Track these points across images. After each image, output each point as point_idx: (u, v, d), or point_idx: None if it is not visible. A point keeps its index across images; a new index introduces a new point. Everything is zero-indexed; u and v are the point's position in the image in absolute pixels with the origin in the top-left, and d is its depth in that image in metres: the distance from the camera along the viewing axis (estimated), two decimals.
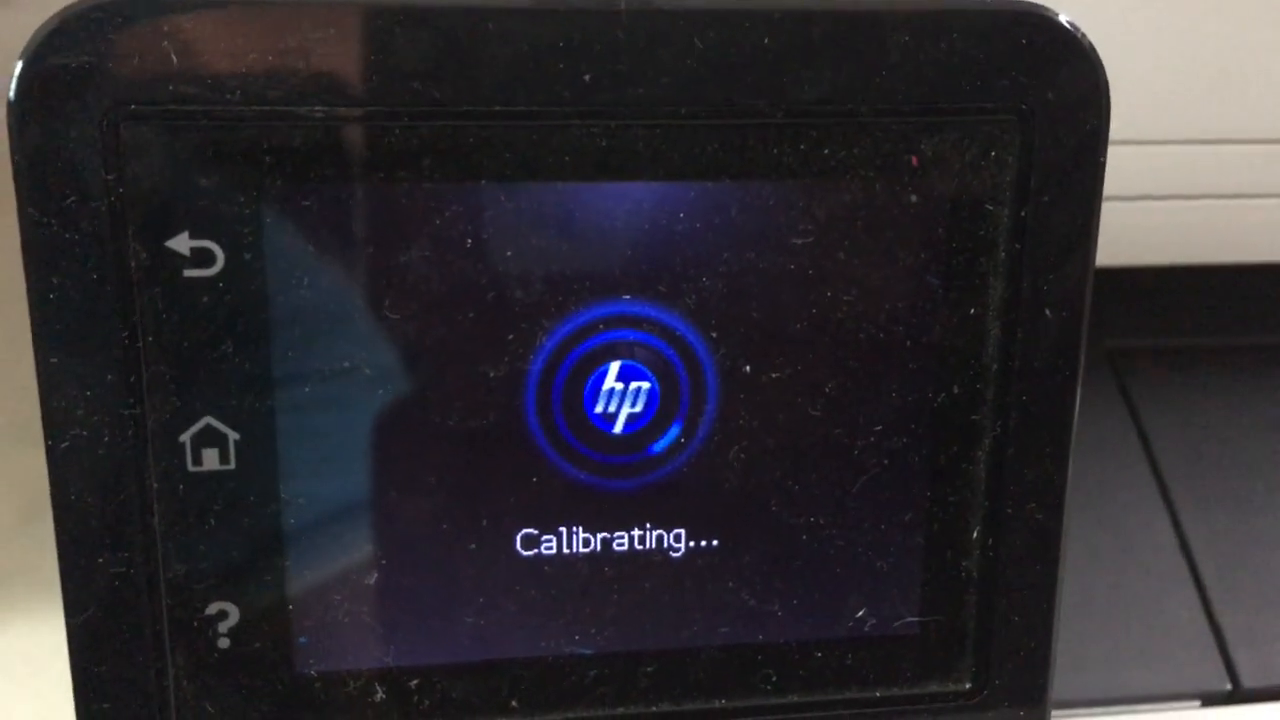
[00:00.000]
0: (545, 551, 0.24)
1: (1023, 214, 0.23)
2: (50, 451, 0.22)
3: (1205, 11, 0.35)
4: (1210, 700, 0.37)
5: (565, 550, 0.24)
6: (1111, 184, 0.36)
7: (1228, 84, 0.36)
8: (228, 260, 0.22)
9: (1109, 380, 0.44)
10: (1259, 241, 0.40)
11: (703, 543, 0.24)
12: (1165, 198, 0.38)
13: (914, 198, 0.23)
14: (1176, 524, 0.41)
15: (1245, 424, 0.43)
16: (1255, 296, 0.46)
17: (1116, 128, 0.35)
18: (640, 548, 0.24)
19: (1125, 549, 0.40)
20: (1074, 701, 0.36)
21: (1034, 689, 0.26)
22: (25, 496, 0.40)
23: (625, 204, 0.23)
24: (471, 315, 0.23)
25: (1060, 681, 0.34)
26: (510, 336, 0.23)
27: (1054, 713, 0.33)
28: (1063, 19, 0.23)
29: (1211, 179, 0.38)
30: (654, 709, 0.25)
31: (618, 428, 0.24)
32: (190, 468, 0.22)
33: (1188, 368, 0.45)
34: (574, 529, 0.24)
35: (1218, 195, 0.38)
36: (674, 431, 0.24)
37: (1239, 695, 0.37)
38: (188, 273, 0.22)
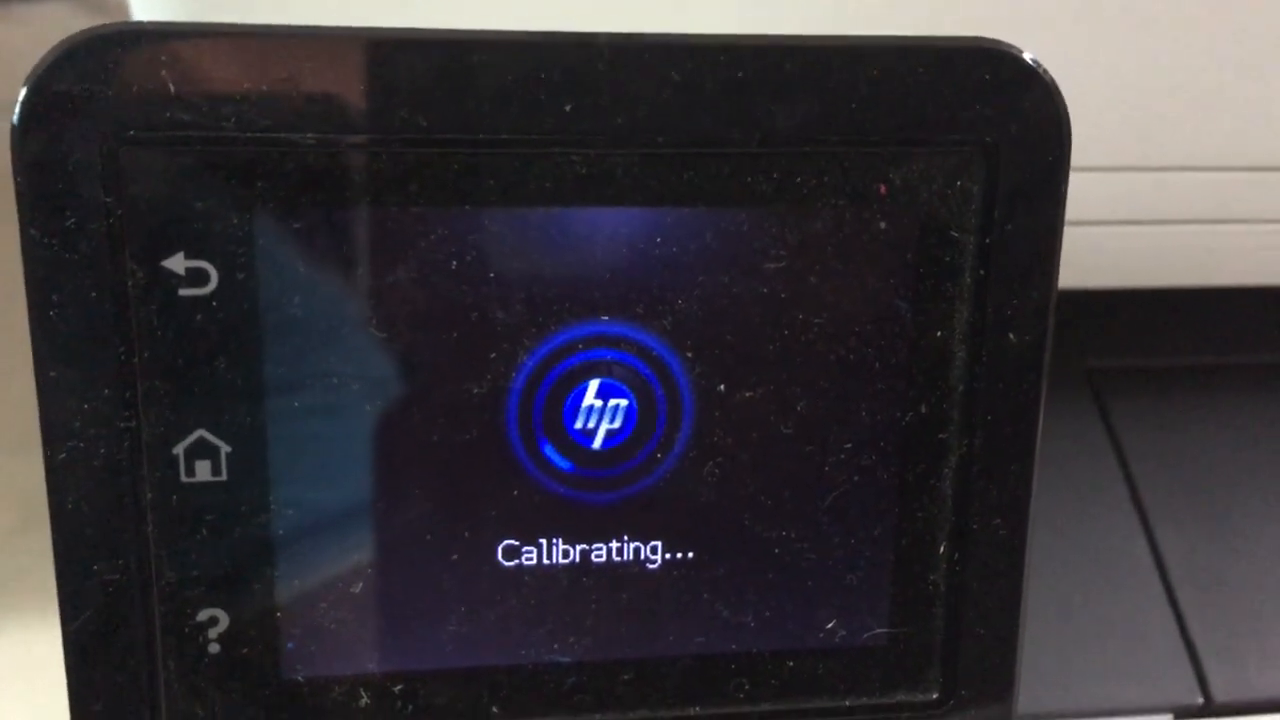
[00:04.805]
0: (526, 562, 0.25)
1: (987, 241, 0.24)
2: (48, 462, 0.22)
3: (1185, 41, 0.36)
4: (1182, 714, 0.37)
5: (545, 561, 0.25)
6: (1092, 209, 0.37)
7: (1207, 112, 0.37)
8: (221, 280, 0.22)
9: (1088, 400, 0.45)
10: (1236, 265, 0.41)
11: (679, 555, 0.25)
12: (1145, 223, 0.39)
13: (883, 225, 0.24)
14: (1152, 540, 0.41)
15: (1221, 442, 0.44)
16: (1232, 318, 0.46)
17: (1098, 154, 0.36)
18: (618, 559, 0.25)
19: (1101, 564, 0.41)
20: (1048, 714, 0.37)
21: (1000, 699, 0.27)
22: (21, 505, 0.41)
23: (605, 229, 0.23)
24: (456, 334, 0.23)
25: (1035, 694, 0.34)
26: (493, 355, 0.24)
27: None
28: (1026, 55, 0.24)
29: (1189, 205, 0.39)
30: (630, 716, 0.26)
31: (596, 443, 0.25)
32: (183, 479, 0.23)
33: (1166, 387, 0.46)
34: (554, 541, 0.25)
35: (1196, 220, 0.39)
36: (651, 447, 0.25)
37: (1211, 709, 0.37)
38: (183, 291, 0.22)
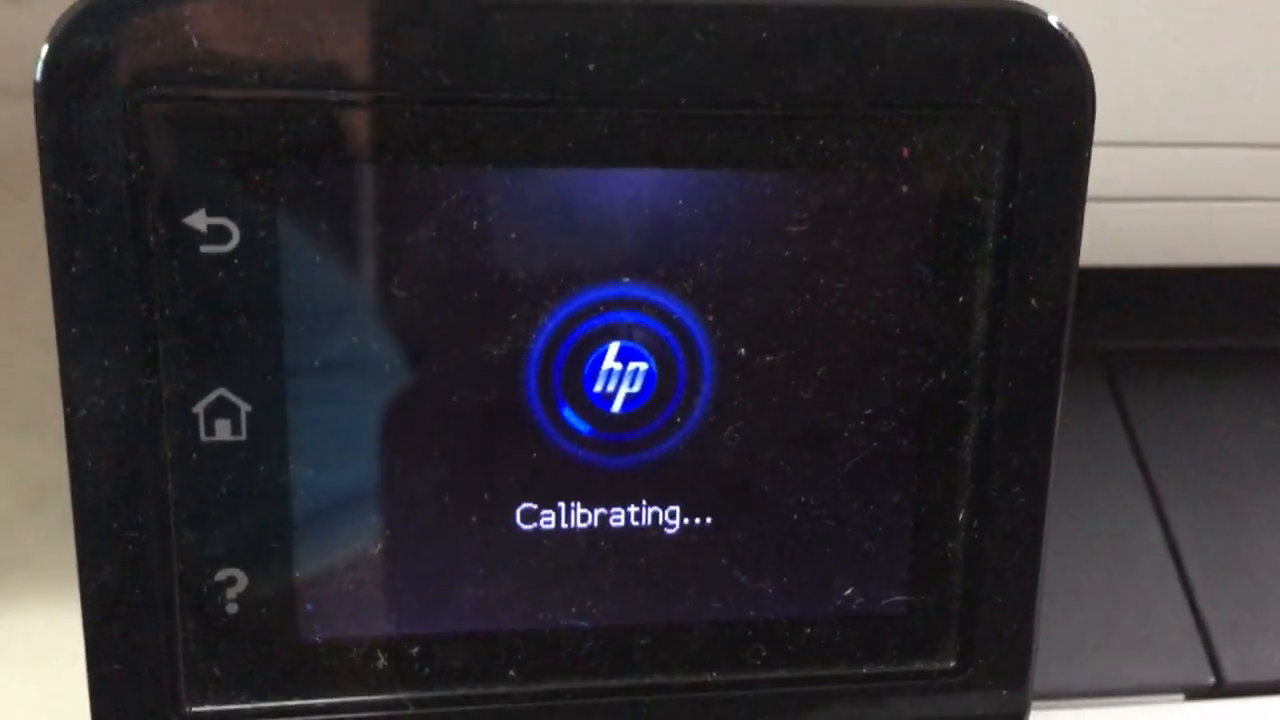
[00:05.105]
0: (544, 526, 0.25)
1: (1010, 206, 0.24)
2: (68, 419, 0.22)
3: (1202, 17, 0.35)
4: (1194, 694, 0.37)
5: (564, 525, 0.25)
6: (1105, 185, 0.37)
7: (1222, 88, 0.36)
8: (242, 237, 0.22)
9: (1100, 382, 0.45)
10: (1251, 244, 0.41)
11: (696, 520, 0.25)
12: (1158, 200, 0.39)
13: (905, 189, 0.24)
14: (1164, 522, 0.41)
15: (1233, 425, 0.44)
16: (1245, 299, 0.46)
17: (1111, 130, 0.36)
18: (636, 524, 0.25)
19: (1113, 546, 0.41)
20: (1060, 693, 0.37)
21: (1016, 669, 0.27)
22: (30, 486, 0.41)
23: (626, 190, 0.23)
24: (476, 295, 0.23)
25: (1047, 673, 0.34)
26: (513, 316, 0.24)
27: (1040, 705, 0.34)
28: (1051, 19, 0.23)
29: (1204, 182, 0.38)
30: (647, 681, 0.26)
31: (616, 407, 0.24)
32: (203, 438, 0.23)
33: (1178, 370, 0.45)
34: (572, 505, 0.25)
35: (1210, 198, 0.39)
36: (670, 411, 0.25)
37: (1222, 689, 0.37)
38: (204, 249, 0.22)
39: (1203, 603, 0.39)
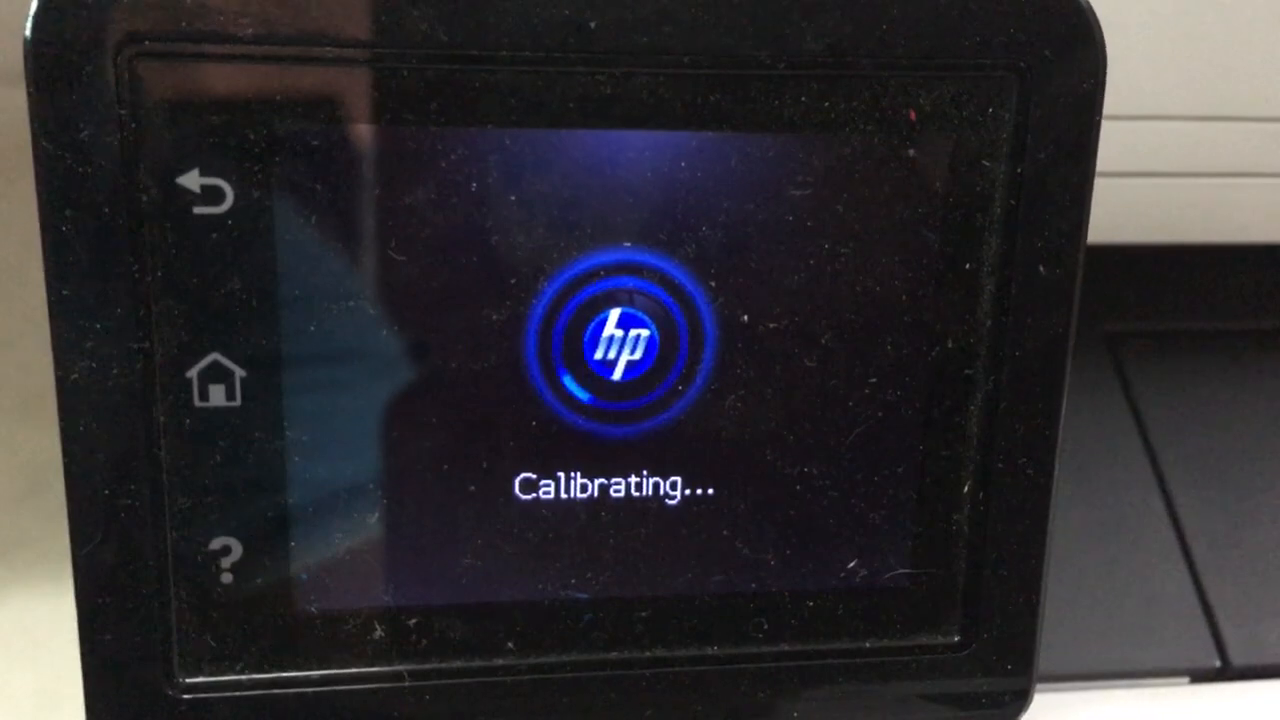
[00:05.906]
0: (544, 496, 0.24)
1: (1019, 170, 0.24)
2: (59, 382, 0.22)
3: None
4: (1199, 677, 0.37)
5: (563, 495, 0.24)
6: (1109, 160, 0.36)
7: (1229, 61, 0.36)
8: (237, 198, 0.22)
9: (1106, 363, 0.45)
10: (1259, 222, 0.40)
11: (698, 491, 0.25)
12: (1164, 175, 0.38)
13: (912, 152, 0.24)
14: (1169, 504, 0.41)
15: (1238, 406, 0.44)
16: (1252, 279, 0.46)
17: (1117, 103, 0.35)
18: (637, 494, 0.25)
19: (1119, 528, 0.40)
20: (1065, 676, 0.37)
21: (1021, 644, 0.26)
22: (28, 471, 0.40)
23: (628, 152, 0.23)
24: (474, 259, 0.23)
25: (1052, 656, 0.34)
26: (512, 281, 0.23)
27: (1045, 687, 0.33)
28: None
29: (1212, 157, 0.38)
30: (647, 654, 0.25)
31: (617, 374, 0.24)
32: (197, 403, 0.23)
33: (1184, 351, 0.45)
34: (572, 474, 0.24)
35: (1218, 174, 0.39)
36: (672, 379, 0.24)
37: (1228, 672, 0.37)
38: (197, 209, 0.22)
39: (1208, 585, 0.39)
